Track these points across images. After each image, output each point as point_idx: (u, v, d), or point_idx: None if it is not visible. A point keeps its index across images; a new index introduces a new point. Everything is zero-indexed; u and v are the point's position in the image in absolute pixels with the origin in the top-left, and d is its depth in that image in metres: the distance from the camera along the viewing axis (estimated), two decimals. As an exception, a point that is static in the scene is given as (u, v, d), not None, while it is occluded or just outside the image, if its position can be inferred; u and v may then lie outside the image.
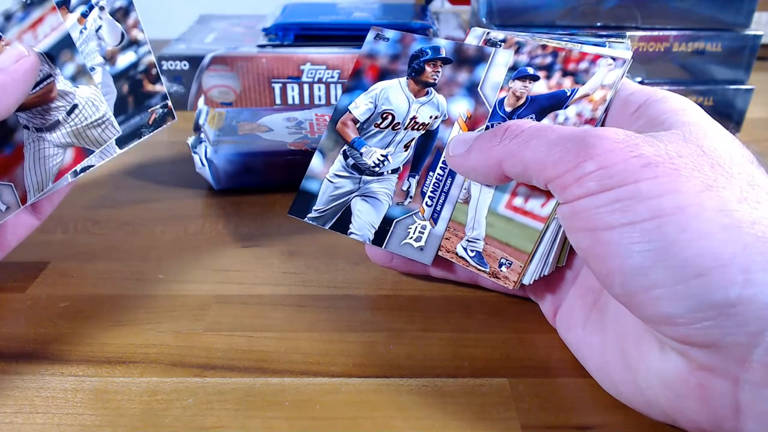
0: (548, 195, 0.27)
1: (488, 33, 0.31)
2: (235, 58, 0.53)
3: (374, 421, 0.24)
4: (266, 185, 0.42)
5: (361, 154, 0.31)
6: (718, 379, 0.21)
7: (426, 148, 0.31)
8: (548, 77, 0.29)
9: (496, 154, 0.25)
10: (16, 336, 0.29)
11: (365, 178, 0.31)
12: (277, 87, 0.54)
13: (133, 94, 0.32)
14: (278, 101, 0.55)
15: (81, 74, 0.30)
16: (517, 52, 0.30)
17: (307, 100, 0.55)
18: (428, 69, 0.31)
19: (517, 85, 0.29)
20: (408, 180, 0.31)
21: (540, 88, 0.29)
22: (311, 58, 0.54)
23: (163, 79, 0.32)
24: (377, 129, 0.31)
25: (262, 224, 0.39)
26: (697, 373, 0.21)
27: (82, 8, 0.31)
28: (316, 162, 0.32)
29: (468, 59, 0.31)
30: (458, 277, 0.32)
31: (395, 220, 0.30)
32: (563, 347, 0.28)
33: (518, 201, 0.28)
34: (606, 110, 0.27)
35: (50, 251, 0.35)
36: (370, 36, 0.33)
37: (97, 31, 0.31)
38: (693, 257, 0.20)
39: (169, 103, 0.32)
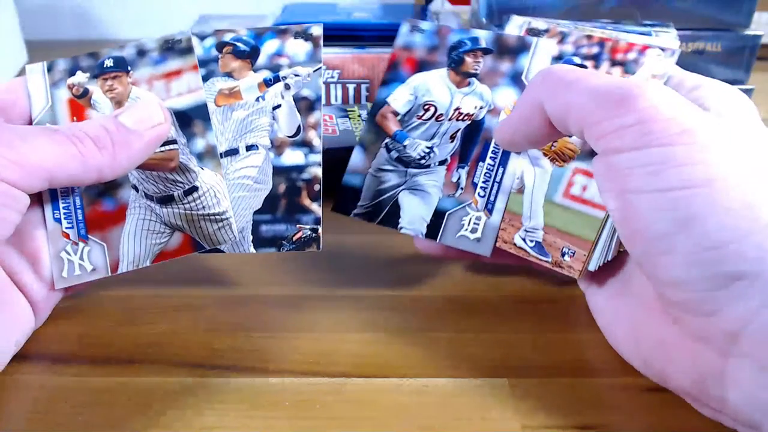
0: None
1: (530, 23, 0.31)
2: (235, 58, 0.53)
3: (374, 421, 0.24)
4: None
5: (404, 146, 0.31)
6: (708, 349, 0.22)
7: (473, 139, 0.30)
8: (596, 67, 0.29)
9: (539, 94, 0.25)
10: (16, 336, 0.29)
11: (411, 170, 0.31)
12: (277, 87, 0.54)
13: (287, 198, 0.29)
14: (278, 101, 0.55)
15: (209, 156, 0.27)
16: (561, 42, 0.30)
17: (307, 101, 0.55)
18: (468, 60, 0.31)
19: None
20: (457, 171, 0.30)
21: None
22: (311, 58, 0.54)
23: (319, 203, 0.29)
24: (420, 121, 0.31)
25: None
26: (690, 343, 0.23)
27: (267, 74, 0.28)
28: (356, 156, 0.31)
29: (509, 49, 0.30)
30: (512, 263, 0.32)
31: (447, 212, 0.30)
32: (563, 347, 0.28)
33: (575, 189, 0.28)
34: None
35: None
36: (404, 28, 0.32)
37: (274, 109, 0.28)
38: (713, 231, 0.20)
39: (320, 230, 0.29)
